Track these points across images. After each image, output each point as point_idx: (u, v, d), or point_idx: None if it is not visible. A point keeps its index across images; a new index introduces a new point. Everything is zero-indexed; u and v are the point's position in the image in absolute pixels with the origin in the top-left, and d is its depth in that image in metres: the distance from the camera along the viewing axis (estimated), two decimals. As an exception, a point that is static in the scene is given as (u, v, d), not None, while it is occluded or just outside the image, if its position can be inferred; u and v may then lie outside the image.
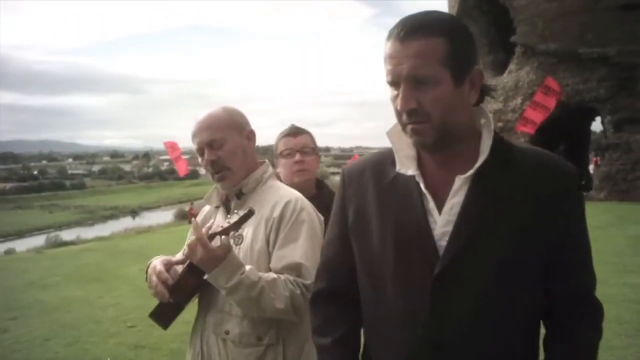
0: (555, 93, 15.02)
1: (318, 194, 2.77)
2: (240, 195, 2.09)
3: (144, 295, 4.13)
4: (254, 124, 2.17)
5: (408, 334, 1.37)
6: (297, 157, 2.76)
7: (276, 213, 1.99)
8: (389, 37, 1.30)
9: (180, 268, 1.96)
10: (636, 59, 18.15)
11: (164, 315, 1.96)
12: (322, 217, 2.06)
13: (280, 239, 1.96)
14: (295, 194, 2.09)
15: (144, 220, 47.02)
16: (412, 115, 1.30)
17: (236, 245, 1.99)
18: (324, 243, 1.64)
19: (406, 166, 1.41)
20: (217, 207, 2.19)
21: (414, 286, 1.36)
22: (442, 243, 1.33)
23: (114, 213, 63.85)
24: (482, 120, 1.40)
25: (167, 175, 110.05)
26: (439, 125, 1.30)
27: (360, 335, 1.59)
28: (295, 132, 2.85)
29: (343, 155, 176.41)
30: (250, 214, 1.83)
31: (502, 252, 1.31)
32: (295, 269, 1.91)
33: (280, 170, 2.78)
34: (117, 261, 11.42)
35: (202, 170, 2.16)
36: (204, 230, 1.81)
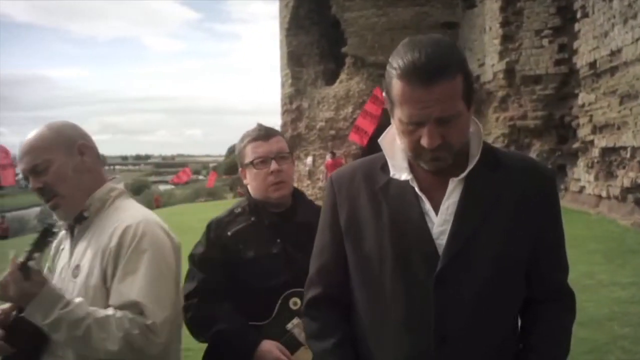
0: (381, 102, 15.66)
1: (294, 205, 2.27)
2: (81, 219, 1.81)
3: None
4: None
5: (410, 332, 1.40)
6: (274, 165, 2.16)
7: (114, 242, 1.73)
8: (405, 77, 1.28)
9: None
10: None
11: None
12: (177, 240, 1.85)
13: (118, 272, 1.71)
14: (140, 215, 1.81)
15: None
16: (436, 150, 1.33)
17: (74, 277, 1.77)
18: (317, 250, 1.60)
19: (400, 171, 1.44)
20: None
21: (415, 285, 1.39)
22: (440, 242, 1.39)
23: None
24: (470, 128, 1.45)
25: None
26: (458, 150, 1.36)
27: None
28: (266, 134, 2.22)
29: (164, 163, 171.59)
30: (47, 232, 1.63)
31: (498, 248, 1.38)
32: (133, 307, 1.67)
33: (250, 183, 2.24)
34: None
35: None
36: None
